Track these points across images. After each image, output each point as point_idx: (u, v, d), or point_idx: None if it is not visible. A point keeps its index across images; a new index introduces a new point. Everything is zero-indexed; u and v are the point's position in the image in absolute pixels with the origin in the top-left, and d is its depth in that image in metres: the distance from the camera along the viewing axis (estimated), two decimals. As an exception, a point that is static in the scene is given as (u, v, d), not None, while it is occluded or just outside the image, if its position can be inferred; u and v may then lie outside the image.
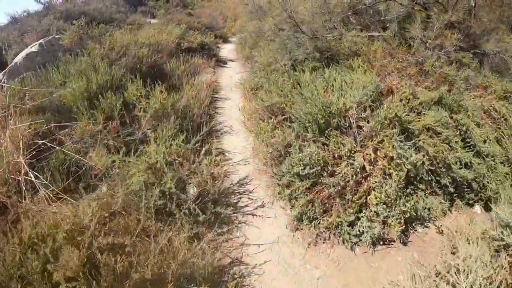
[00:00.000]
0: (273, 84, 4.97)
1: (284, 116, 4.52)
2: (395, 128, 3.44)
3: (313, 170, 3.34)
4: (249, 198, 3.84)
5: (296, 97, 4.42)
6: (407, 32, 5.10)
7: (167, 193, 3.13)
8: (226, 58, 9.55)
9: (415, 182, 3.39)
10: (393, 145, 3.28)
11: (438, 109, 3.86)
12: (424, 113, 3.84)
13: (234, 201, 3.79)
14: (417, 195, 3.35)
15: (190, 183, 3.39)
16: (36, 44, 5.96)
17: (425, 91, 4.11)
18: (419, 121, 3.67)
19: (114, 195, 3.16)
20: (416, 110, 3.93)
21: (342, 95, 3.96)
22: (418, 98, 3.98)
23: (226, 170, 4.22)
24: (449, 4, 4.94)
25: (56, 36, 6.30)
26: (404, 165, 3.19)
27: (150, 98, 4.17)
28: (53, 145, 3.74)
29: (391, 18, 5.35)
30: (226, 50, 10.90)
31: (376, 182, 3.24)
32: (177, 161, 3.36)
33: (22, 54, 5.84)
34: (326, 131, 3.67)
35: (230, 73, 8.14)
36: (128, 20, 14.30)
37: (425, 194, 3.36)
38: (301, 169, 3.35)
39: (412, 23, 4.99)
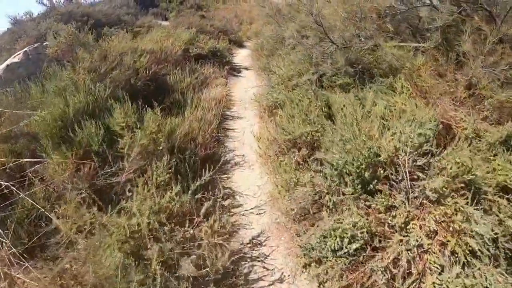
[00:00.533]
0: (296, 106, 3.98)
1: (310, 151, 3.53)
2: (467, 191, 2.39)
3: (355, 246, 2.34)
4: (264, 267, 2.86)
5: (327, 127, 3.43)
6: (451, 43, 4.06)
7: (151, 277, 2.19)
8: (240, 66, 8.60)
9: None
10: (465, 216, 2.24)
11: (503, 151, 2.79)
12: (490, 159, 2.77)
13: (245, 270, 2.82)
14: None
15: (185, 257, 2.44)
16: (20, 53, 5.13)
17: (490, 128, 3.05)
18: (492, 177, 2.59)
19: (80, 276, 2.25)
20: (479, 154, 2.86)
21: (387, 130, 2.96)
22: (482, 138, 2.94)
23: (235, 221, 3.26)
24: (497, 14, 3.85)
25: (44, 43, 5.47)
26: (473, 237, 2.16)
27: (140, 127, 3.24)
28: (18, 191, 2.86)
29: (432, 27, 4.26)
30: (241, 56, 9.96)
31: (435, 262, 2.23)
32: (167, 226, 2.41)
33: (4, 65, 5.02)
34: (371, 184, 2.66)
35: (244, 84, 7.18)
36: (138, 23, 13.58)
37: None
38: (338, 245, 2.35)
39: (459, 33, 3.94)
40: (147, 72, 4.75)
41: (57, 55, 4.83)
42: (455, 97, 3.50)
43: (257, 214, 3.40)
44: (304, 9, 5.54)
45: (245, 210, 3.43)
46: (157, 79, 4.96)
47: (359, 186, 2.68)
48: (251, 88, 6.70)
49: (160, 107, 3.91)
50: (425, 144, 2.73)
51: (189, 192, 2.87)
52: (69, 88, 3.62)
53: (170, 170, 2.92)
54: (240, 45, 11.99)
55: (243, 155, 4.29)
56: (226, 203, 3.49)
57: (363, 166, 2.61)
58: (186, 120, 3.88)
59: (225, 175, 3.90)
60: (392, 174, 2.65)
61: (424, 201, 2.53)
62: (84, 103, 3.38)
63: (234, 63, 8.68)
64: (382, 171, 2.68)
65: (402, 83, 3.79)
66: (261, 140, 3.95)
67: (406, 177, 2.63)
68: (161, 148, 2.98)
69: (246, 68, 8.41)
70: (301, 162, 3.53)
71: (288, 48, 6.23)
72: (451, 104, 3.41)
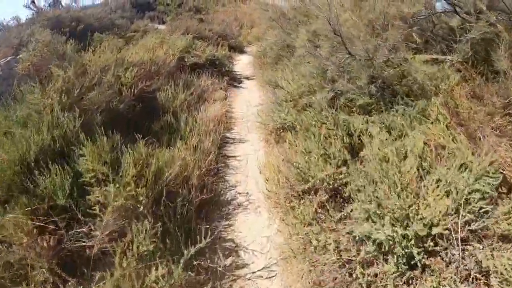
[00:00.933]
0: (312, 137, 3.28)
1: (330, 197, 2.83)
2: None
3: None
4: None
5: (353, 170, 2.72)
6: (483, 58, 3.40)
7: None
8: (241, 75, 7.88)
9: None
10: None
11: None
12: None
13: None
14: None
15: None
16: (-13, 68, 4.43)
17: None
18: None
19: None
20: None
21: (427, 173, 2.28)
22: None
23: (240, 289, 2.56)
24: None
25: (18, 57, 4.76)
26: None
27: (114, 180, 2.52)
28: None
29: (464, 38, 3.54)
30: (242, 64, 9.26)
31: None
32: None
33: (-33, 82, 4.31)
34: (417, 259, 1.96)
35: (246, 97, 6.47)
36: (132, 27, 12.89)
37: None
38: None
39: (492, 47, 3.26)
40: (133, 90, 4.04)
41: (28, 72, 4.12)
42: (494, 125, 2.81)
43: (266, 278, 2.69)
44: (316, 15, 4.85)
45: (252, 273, 2.72)
46: (144, 98, 4.25)
47: (403, 262, 1.98)
48: (253, 102, 6.00)
49: (146, 138, 3.21)
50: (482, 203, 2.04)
51: (181, 262, 2.17)
52: (33, 118, 2.91)
53: (155, 236, 2.21)
54: (241, 50, 11.29)
55: (247, 192, 3.57)
56: (227, 262, 2.79)
57: (413, 242, 1.91)
58: (178, 154, 3.17)
59: (226, 222, 3.19)
60: (441, 244, 1.97)
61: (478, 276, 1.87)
62: (48, 140, 2.67)
63: (235, 71, 7.96)
64: (432, 244, 1.99)
65: (438, 108, 3.08)
66: (268, 176, 3.24)
67: (458, 245, 1.95)
68: (141, 208, 2.27)
69: (248, 78, 7.69)
70: (320, 210, 2.83)
71: (296, 58, 5.53)
72: (495, 136, 2.70)
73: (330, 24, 3.70)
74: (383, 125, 3.25)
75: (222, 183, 3.71)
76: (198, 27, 10.68)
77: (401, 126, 3.10)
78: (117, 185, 2.30)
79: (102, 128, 2.84)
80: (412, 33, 4.07)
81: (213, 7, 19.12)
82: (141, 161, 2.65)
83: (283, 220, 2.98)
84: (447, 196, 2.11)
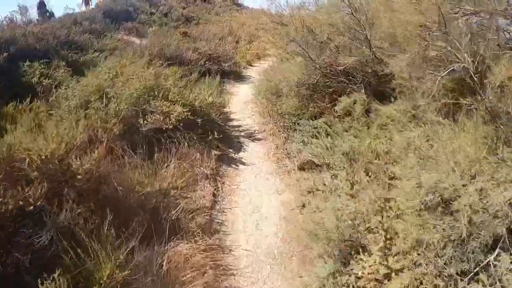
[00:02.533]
0: None
1: None
2: None
3: None
4: None
5: None
6: None
7: None
8: (241, 130, 4.91)
9: None
10: None
11: None
12: None
13: None
14: None
15: None
16: None
17: None
18: None
19: None
20: None
21: None
22: None
23: None
24: None
25: None
26: None
27: None
28: None
29: None
30: (239, 103, 6.29)
31: None
32: None
33: None
34: None
35: (253, 196, 3.50)
36: (98, 45, 9.93)
37: None
38: None
39: None
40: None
41: None
42: None
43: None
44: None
45: None
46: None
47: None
48: (269, 214, 3.05)
49: None
50: None
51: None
52: None
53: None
54: (238, 76, 8.35)
55: None
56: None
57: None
58: None
59: None
60: None
61: None
62: None
63: (229, 129, 4.93)
64: None
65: None
66: None
67: None
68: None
69: (252, 137, 4.71)
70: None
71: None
72: None
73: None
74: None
75: None
76: (179, 45, 7.75)
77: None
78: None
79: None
80: None
81: (205, 15, 16.26)
82: None
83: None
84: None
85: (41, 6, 13.01)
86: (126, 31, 13.82)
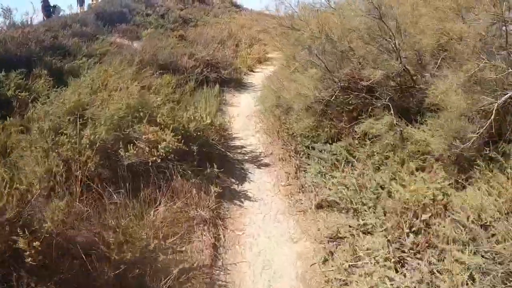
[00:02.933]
0: None
1: None
2: None
3: None
4: None
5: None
6: None
7: None
8: (245, 148, 4.23)
9: None
10: None
11: None
12: None
13: None
14: None
15: None
16: None
17: None
18: None
19: None
20: None
21: None
22: None
23: None
24: None
25: None
26: None
27: None
28: None
29: None
30: (241, 112, 5.63)
31: None
32: None
33: None
34: None
35: (262, 238, 2.83)
36: (88, 49, 9.22)
37: None
38: None
39: None
40: None
41: None
42: None
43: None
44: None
45: None
46: None
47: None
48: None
49: None
50: None
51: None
52: None
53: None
54: (239, 83, 7.67)
55: None
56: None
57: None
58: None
59: None
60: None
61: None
62: None
63: (231, 150, 4.25)
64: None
65: None
66: None
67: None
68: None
69: (257, 162, 4.02)
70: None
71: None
72: None
73: None
74: None
75: None
76: (173, 51, 7.06)
77: None
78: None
79: None
80: None
81: (203, 17, 15.58)
82: None
83: None
84: None
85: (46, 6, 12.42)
86: (120, 33, 13.11)
